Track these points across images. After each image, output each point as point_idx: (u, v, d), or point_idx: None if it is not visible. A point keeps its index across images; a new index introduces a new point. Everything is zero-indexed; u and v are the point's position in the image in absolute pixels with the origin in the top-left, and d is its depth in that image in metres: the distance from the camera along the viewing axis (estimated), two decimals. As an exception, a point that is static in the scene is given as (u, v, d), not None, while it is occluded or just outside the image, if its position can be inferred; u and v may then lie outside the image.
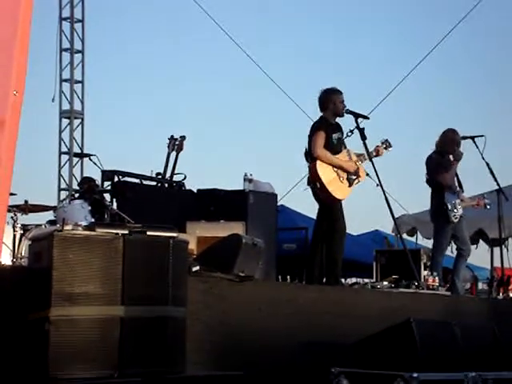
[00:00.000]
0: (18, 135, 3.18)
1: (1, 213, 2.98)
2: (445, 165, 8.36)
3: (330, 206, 7.37)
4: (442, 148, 8.44)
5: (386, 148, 7.78)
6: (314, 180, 7.35)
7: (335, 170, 7.39)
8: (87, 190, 7.62)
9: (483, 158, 8.16)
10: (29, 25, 3.00)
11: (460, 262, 8.40)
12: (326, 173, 7.33)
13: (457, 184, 8.53)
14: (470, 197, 9.07)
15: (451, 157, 8.41)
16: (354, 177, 7.44)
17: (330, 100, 7.50)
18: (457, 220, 8.29)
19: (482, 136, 8.16)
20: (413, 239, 12.30)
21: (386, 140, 7.83)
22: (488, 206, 8.51)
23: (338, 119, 7.58)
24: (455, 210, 8.26)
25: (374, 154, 7.63)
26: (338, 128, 7.59)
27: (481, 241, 12.25)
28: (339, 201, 7.40)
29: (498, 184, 8.32)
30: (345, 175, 7.42)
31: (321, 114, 7.55)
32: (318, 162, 7.33)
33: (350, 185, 7.45)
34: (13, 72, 2.90)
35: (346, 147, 7.59)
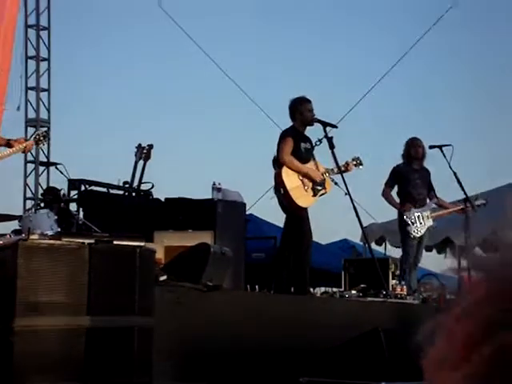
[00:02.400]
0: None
1: None
2: (396, 177, 8.41)
3: (295, 214, 7.38)
4: (406, 157, 8.52)
5: (356, 165, 7.81)
6: (278, 187, 7.37)
7: (301, 178, 7.40)
8: (53, 199, 7.55)
9: (451, 167, 8.20)
10: (12, 37, 2.95)
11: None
12: (290, 180, 7.34)
13: (432, 193, 8.52)
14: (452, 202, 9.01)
15: (415, 165, 8.45)
16: (320, 187, 7.45)
17: (297, 109, 7.51)
18: (419, 234, 8.28)
19: (450, 145, 8.21)
20: (381, 248, 12.34)
21: (358, 158, 7.86)
22: (479, 206, 8.40)
23: (307, 130, 7.60)
24: (418, 223, 8.27)
25: (343, 168, 7.63)
26: (307, 139, 7.61)
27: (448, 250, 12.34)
28: (302, 209, 7.40)
29: (464, 193, 8.37)
30: (310, 184, 7.43)
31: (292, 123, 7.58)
32: (284, 169, 7.34)
33: (315, 195, 7.46)
34: None
35: (314, 159, 7.60)
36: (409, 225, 8.23)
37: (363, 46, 18.12)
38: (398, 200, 8.49)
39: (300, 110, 7.50)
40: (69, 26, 14.68)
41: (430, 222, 8.35)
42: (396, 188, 8.54)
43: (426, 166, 8.62)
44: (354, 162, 7.82)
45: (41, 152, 12.82)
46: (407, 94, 19.61)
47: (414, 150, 8.45)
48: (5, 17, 2.75)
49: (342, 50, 18.70)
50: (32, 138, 6.42)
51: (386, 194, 8.45)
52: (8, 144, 6.28)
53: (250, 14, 17.34)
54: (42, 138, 6.44)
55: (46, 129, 6.58)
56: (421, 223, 8.28)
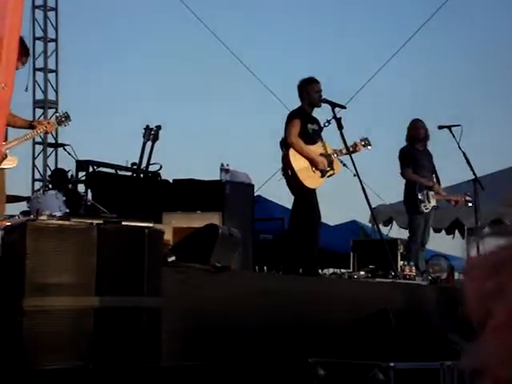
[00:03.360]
0: (4, 130, 3.07)
1: None
2: (408, 158, 8.41)
3: (303, 195, 7.36)
4: (409, 138, 8.52)
5: (364, 145, 7.79)
6: (286, 168, 7.35)
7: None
8: (61, 180, 7.54)
9: (460, 148, 8.16)
10: (20, 17, 2.90)
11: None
12: (297, 161, 7.32)
13: (434, 176, 8.56)
14: (447, 188, 9.09)
15: (419, 146, 8.46)
16: (328, 168, 7.43)
17: (305, 89, 7.48)
18: (428, 210, 8.34)
19: (459, 125, 8.17)
20: (388, 229, 12.30)
21: (366, 138, 7.84)
22: (470, 204, 8.53)
23: (316, 111, 7.57)
24: (426, 201, 8.31)
25: (352, 149, 7.61)
26: (315, 120, 7.58)
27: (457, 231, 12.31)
28: (310, 190, 7.38)
29: (474, 174, 8.33)
30: None
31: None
32: (291, 150, 7.32)
33: (323, 176, 7.44)
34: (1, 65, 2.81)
35: (322, 140, 7.56)
36: (421, 200, 8.25)
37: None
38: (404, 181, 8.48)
39: (307, 90, 7.47)
40: (76, 7, 14.61)
41: (434, 202, 8.37)
42: (399, 169, 8.53)
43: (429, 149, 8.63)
44: (363, 143, 7.79)
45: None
46: (413, 76, 19.53)
47: (416, 132, 8.46)
48: (6, 26, 2.71)
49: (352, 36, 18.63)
50: (54, 119, 6.37)
51: (408, 175, 8.41)
52: (30, 125, 6.27)
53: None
54: (63, 119, 6.38)
55: (66, 110, 6.47)
56: (428, 201, 8.31)
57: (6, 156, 5.99)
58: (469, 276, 0.81)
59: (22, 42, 6.00)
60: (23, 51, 5.98)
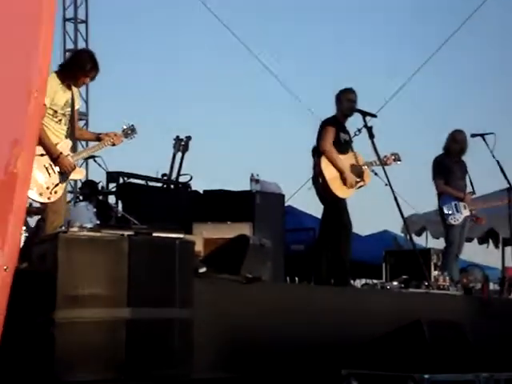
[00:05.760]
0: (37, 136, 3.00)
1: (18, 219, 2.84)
2: (442, 169, 8.32)
3: (333, 204, 7.30)
4: (446, 149, 8.44)
5: (394, 160, 7.76)
6: (317, 176, 7.30)
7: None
8: (92, 192, 7.56)
9: (493, 156, 8.07)
10: (54, 12, 2.86)
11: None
12: (329, 169, 7.28)
13: (469, 184, 8.44)
14: (481, 197, 8.97)
15: (454, 157, 8.37)
16: (358, 179, 7.39)
17: (339, 99, 7.49)
18: (457, 222, 8.22)
19: (492, 133, 8.08)
20: (420, 239, 12.20)
21: (396, 153, 7.84)
22: None
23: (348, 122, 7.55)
24: (456, 213, 8.21)
25: (383, 162, 7.55)
26: (347, 131, 7.55)
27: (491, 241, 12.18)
28: (341, 199, 7.33)
29: (508, 182, 8.22)
30: None
31: None
32: (323, 158, 7.28)
33: (352, 186, 7.40)
34: (33, 71, 2.77)
35: (353, 151, 7.53)
36: (447, 213, 8.17)
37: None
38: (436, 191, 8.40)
39: (341, 99, 7.45)
40: (107, 19, 14.74)
41: (467, 212, 8.27)
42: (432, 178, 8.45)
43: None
44: (393, 157, 7.77)
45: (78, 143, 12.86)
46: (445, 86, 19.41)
47: (455, 146, 8.38)
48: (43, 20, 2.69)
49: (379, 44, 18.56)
50: (121, 131, 6.32)
51: (441, 188, 8.34)
52: (98, 138, 6.28)
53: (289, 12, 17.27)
54: (129, 132, 6.35)
55: (132, 123, 6.37)
56: (458, 212, 8.21)
57: (75, 167, 6.03)
58: None
59: (92, 57, 6.01)
60: (93, 66, 5.97)
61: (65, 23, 13.05)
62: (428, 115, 19.19)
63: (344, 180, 7.31)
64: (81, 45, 13.17)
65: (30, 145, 2.79)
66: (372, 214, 15.71)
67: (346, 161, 7.40)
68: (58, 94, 5.91)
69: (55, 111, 5.92)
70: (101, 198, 7.85)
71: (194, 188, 8.58)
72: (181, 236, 4.66)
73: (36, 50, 2.77)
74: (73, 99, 6.05)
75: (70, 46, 13.14)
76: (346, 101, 7.45)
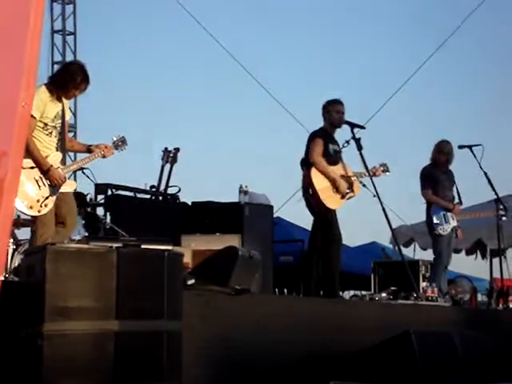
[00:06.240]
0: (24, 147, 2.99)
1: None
2: (430, 179, 8.36)
3: (323, 216, 7.31)
4: (433, 159, 8.48)
5: (383, 171, 7.78)
6: (307, 187, 7.31)
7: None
8: (80, 204, 7.54)
9: (481, 168, 8.11)
10: (41, 24, 2.86)
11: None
12: (319, 180, 7.29)
13: (456, 195, 8.48)
14: (470, 208, 9.01)
15: (441, 167, 8.40)
16: (348, 190, 7.41)
17: (327, 110, 7.49)
18: (445, 233, 8.25)
19: (480, 145, 8.12)
20: (408, 250, 12.21)
21: (385, 164, 7.85)
22: (504, 218, 8.41)
23: (336, 133, 7.57)
24: (444, 223, 8.23)
25: (371, 173, 7.58)
26: (335, 141, 7.57)
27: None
28: (330, 210, 7.34)
29: (496, 194, 8.26)
30: None
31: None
32: (313, 169, 7.29)
33: (343, 197, 7.41)
34: (21, 84, 2.76)
35: (343, 162, 7.55)
36: (436, 223, 8.19)
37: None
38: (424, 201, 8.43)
39: (329, 110, 7.47)
40: (95, 30, 14.75)
41: (455, 223, 8.30)
42: (420, 189, 8.48)
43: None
44: (382, 168, 7.78)
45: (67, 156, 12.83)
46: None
47: (441, 156, 8.41)
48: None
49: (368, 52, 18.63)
50: (112, 143, 6.31)
51: (429, 197, 8.37)
52: (88, 150, 6.26)
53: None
54: (120, 143, 6.33)
55: (123, 134, 6.36)
56: (446, 222, 8.24)
57: (65, 180, 6.01)
58: None
59: (82, 69, 5.98)
60: (84, 78, 5.94)
61: (53, 35, 13.05)
62: (417, 126, 19.28)
63: (337, 188, 7.32)
64: (69, 57, 13.16)
65: (17, 155, 2.79)
66: (360, 225, 15.74)
67: (336, 171, 7.42)
68: (48, 107, 5.90)
69: (45, 124, 5.90)
70: (89, 209, 7.83)
71: (182, 200, 8.58)
72: (169, 248, 4.66)
73: (23, 61, 2.78)
74: (63, 111, 6.04)
75: (57, 58, 13.12)
76: (334, 112, 7.47)
